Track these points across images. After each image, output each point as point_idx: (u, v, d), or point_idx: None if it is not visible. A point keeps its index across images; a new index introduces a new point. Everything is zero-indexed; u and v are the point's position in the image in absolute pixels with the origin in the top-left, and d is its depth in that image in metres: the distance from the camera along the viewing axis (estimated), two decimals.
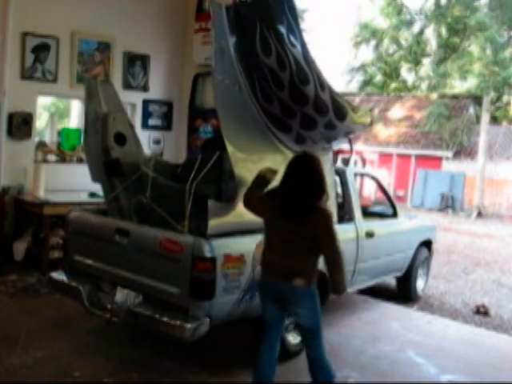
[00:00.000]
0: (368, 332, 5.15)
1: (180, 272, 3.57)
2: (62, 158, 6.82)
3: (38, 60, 6.48)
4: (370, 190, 18.44)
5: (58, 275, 4.43)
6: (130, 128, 4.55)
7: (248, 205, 3.46)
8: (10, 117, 6.31)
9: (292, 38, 3.92)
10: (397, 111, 24.64)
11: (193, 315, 3.54)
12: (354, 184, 5.40)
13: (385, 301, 6.28)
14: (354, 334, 5.01)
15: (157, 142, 7.81)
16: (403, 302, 6.37)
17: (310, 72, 3.97)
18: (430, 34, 26.01)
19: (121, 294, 3.93)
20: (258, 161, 3.97)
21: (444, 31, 24.72)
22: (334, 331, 5.03)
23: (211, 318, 3.57)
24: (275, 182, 3.57)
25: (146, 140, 7.46)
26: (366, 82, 29.55)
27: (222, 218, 3.66)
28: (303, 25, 23.60)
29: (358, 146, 20.56)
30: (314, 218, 3.21)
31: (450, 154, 22.03)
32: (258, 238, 3.86)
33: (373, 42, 28.27)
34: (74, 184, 6.50)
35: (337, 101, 4.18)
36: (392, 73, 28.87)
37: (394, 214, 6.01)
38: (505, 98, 24.57)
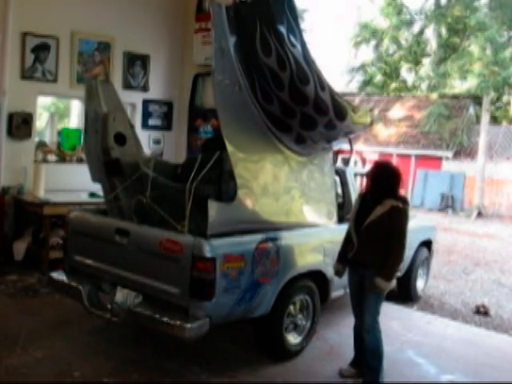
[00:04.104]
0: None
1: (180, 272, 3.57)
2: (62, 158, 6.82)
3: (38, 60, 6.48)
4: None
5: (58, 275, 4.42)
6: (130, 128, 4.55)
7: None
8: (10, 117, 6.30)
9: (292, 38, 3.92)
10: (397, 111, 24.64)
11: (193, 315, 3.54)
12: (354, 184, 5.40)
13: (385, 301, 6.26)
14: None
15: (157, 142, 7.81)
16: (403, 302, 6.36)
17: (310, 72, 3.97)
18: (430, 34, 26.00)
19: (121, 294, 3.93)
20: (258, 161, 3.98)
21: (444, 31, 24.69)
22: (334, 331, 5.04)
23: (211, 317, 3.57)
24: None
25: (146, 140, 7.46)
26: (366, 82, 29.54)
27: (222, 218, 3.65)
28: (303, 25, 23.60)
29: (358, 146, 20.54)
30: None
31: (450, 154, 22.03)
32: (258, 238, 3.86)
33: (373, 42, 28.26)
34: (74, 184, 6.50)
35: (337, 101, 4.18)
36: (392, 73, 28.87)
37: None
38: (505, 98, 24.56)
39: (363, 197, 4.09)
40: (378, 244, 3.85)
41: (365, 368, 3.99)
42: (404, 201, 3.90)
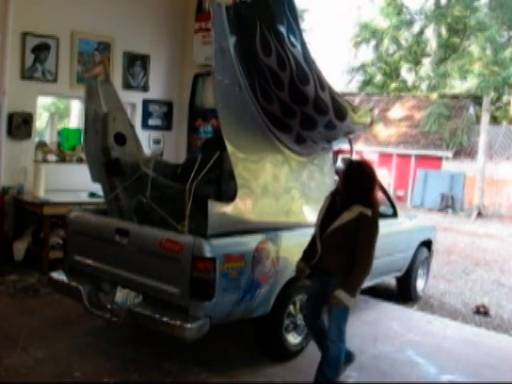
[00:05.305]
0: (368, 332, 5.14)
1: (180, 272, 3.57)
2: (62, 158, 6.82)
3: (38, 60, 6.48)
4: None
5: (58, 275, 4.42)
6: (130, 128, 4.55)
7: None
8: (10, 117, 6.30)
9: (292, 38, 3.92)
10: (397, 111, 24.65)
11: (193, 315, 3.53)
12: None
13: (385, 301, 6.28)
14: (354, 333, 4.98)
15: (157, 142, 7.81)
16: (403, 301, 6.36)
17: (310, 72, 3.97)
18: (430, 34, 26.04)
19: (121, 294, 3.93)
20: (258, 161, 3.98)
21: (444, 31, 24.73)
22: None
23: (211, 317, 3.57)
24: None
25: (146, 140, 7.46)
26: (366, 82, 29.57)
27: (222, 218, 3.65)
28: (303, 25, 23.62)
29: (358, 146, 20.57)
30: None
31: (450, 154, 22.03)
32: (259, 238, 3.86)
33: (373, 42, 28.31)
34: (74, 184, 6.50)
35: (337, 101, 4.19)
36: (392, 73, 28.88)
37: (394, 214, 6.00)
38: (505, 98, 24.57)
39: (333, 197, 3.76)
40: (342, 253, 3.55)
41: (319, 376, 3.66)
42: (373, 206, 3.54)
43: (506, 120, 25.47)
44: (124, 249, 3.92)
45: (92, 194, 6.33)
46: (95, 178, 4.54)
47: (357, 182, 3.57)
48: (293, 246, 4.15)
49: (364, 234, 3.50)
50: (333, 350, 3.61)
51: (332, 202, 3.73)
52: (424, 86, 26.58)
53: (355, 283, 3.50)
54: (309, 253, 3.79)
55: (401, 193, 21.99)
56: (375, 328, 5.30)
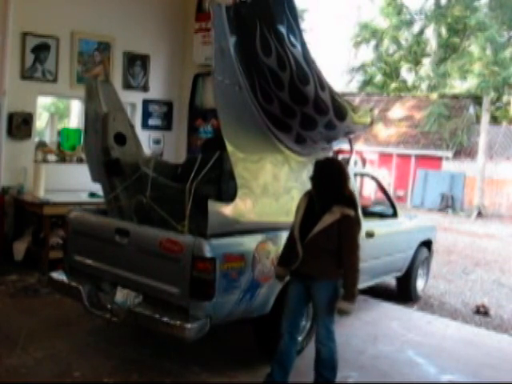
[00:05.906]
0: (368, 332, 5.15)
1: (180, 272, 3.57)
2: (62, 158, 6.82)
3: (38, 60, 6.48)
4: (370, 190, 18.43)
5: (58, 275, 4.42)
6: (130, 128, 4.55)
7: None
8: (10, 117, 6.30)
9: (292, 38, 3.92)
10: (397, 111, 24.66)
11: (193, 315, 3.53)
12: (354, 184, 5.39)
13: (385, 301, 6.28)
14: (354, 334, 5.00)
15: (157, 142, 7.81)
16: (403, 301, 6.37)
17: (310, 72, 3.97)
18: (430, 34, 26.05)
19: (121, 294, 3.93)
20: (258, 161, 3.98)
21: (444, 31, 24.74)
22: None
23: (211, 317, 3.57)
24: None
25: (146, 140, 7.46)
26: (366, 82, 29.58)
27: (222, 218, 3.65)
28: (303, 25, 23.62)
29: (358, 145, 20.56)
30: None
31: (450, 154, 22.04)
32: (259, 238, 3.86)
33: (373, 42, 28.31)
34: (74, 184, 6.50)
35: (337, 101, 4.19)
36: (392, 73, 28.90)
37: (394, 214, 6.01)
38: (505, 98, 24.55)
39: (310, 197, 3.64)
40: (326, 256, 3.50)
41: (318, 377, 3.64)
42: (353, 204, 3.50)
43: (506, 120, 25.47)
44: (124, 249, 3.91)
45: (92, 194, 6.33)
46: (95, 178, 4.55)
47: (325, 179, 3.52)
48: None
49: (348, 236, 3.46)
50: (324, 351, 3.59)
51: (310, 202, 3.62)
52: (424, 86, 26.59)
53: (353, 289, 3.47)
54: (286, 256, 3.72)
55: (401, 193, 22.00)
56: (375, 328, 5.30)
